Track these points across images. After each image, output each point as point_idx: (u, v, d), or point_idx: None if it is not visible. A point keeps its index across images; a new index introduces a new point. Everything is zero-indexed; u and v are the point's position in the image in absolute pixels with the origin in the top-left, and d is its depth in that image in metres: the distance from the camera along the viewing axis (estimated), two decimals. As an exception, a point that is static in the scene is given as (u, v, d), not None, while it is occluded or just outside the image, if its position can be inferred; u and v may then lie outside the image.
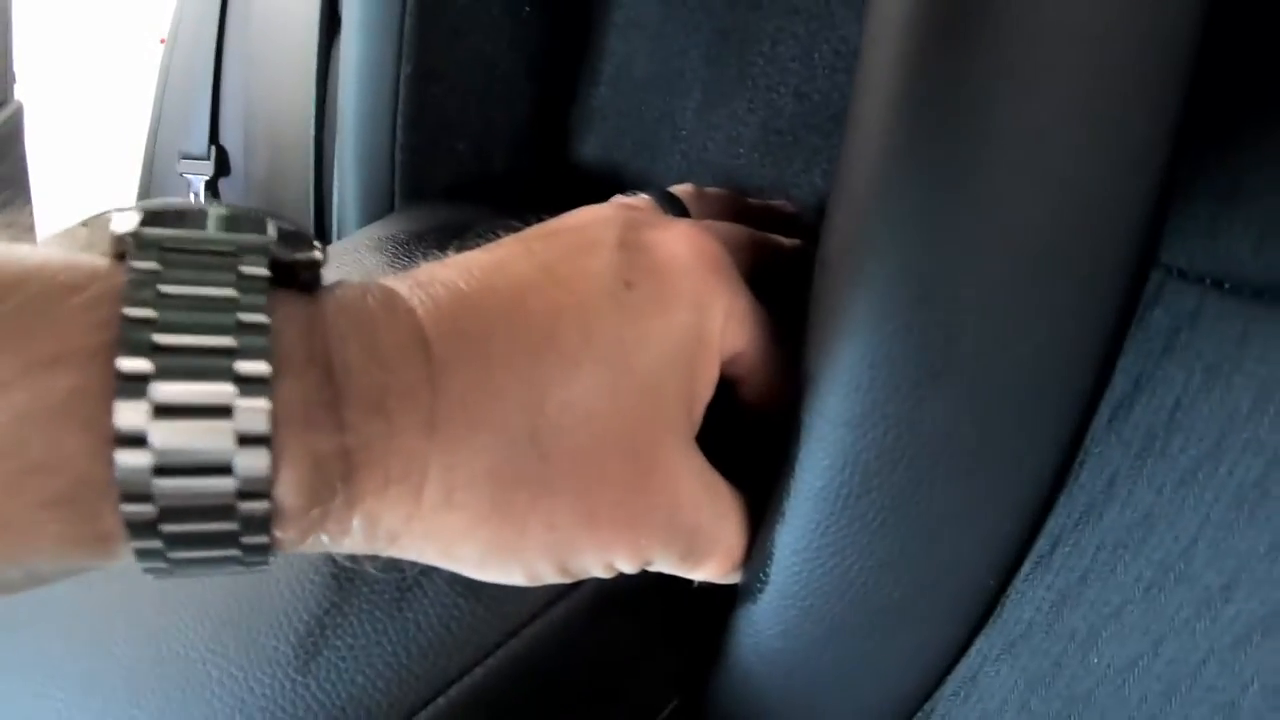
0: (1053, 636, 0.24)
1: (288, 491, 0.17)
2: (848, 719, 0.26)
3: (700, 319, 0.22)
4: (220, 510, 0.16)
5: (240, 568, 0.18)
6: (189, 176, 0.78)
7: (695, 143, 0.37)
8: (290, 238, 0.18)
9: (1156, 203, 0.21)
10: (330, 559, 0.25)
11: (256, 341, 0.16)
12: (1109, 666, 0.23)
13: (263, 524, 0.17)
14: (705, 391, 0.22)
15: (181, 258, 0.16)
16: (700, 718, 0.28)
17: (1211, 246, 0.22)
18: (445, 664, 0.23)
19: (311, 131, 0.52)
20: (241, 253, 0.17)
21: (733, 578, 0.24)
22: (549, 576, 0.21)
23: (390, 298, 0.19)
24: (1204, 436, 0.22)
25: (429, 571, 0.23)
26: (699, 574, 0.23)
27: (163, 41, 0.94)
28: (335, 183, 0.44)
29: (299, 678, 0.23)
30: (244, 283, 0.17)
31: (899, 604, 0.22)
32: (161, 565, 0.17)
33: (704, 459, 0.22)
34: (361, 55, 0.40)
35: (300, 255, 0.18)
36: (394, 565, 0.23)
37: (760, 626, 0.23)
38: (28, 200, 0.92)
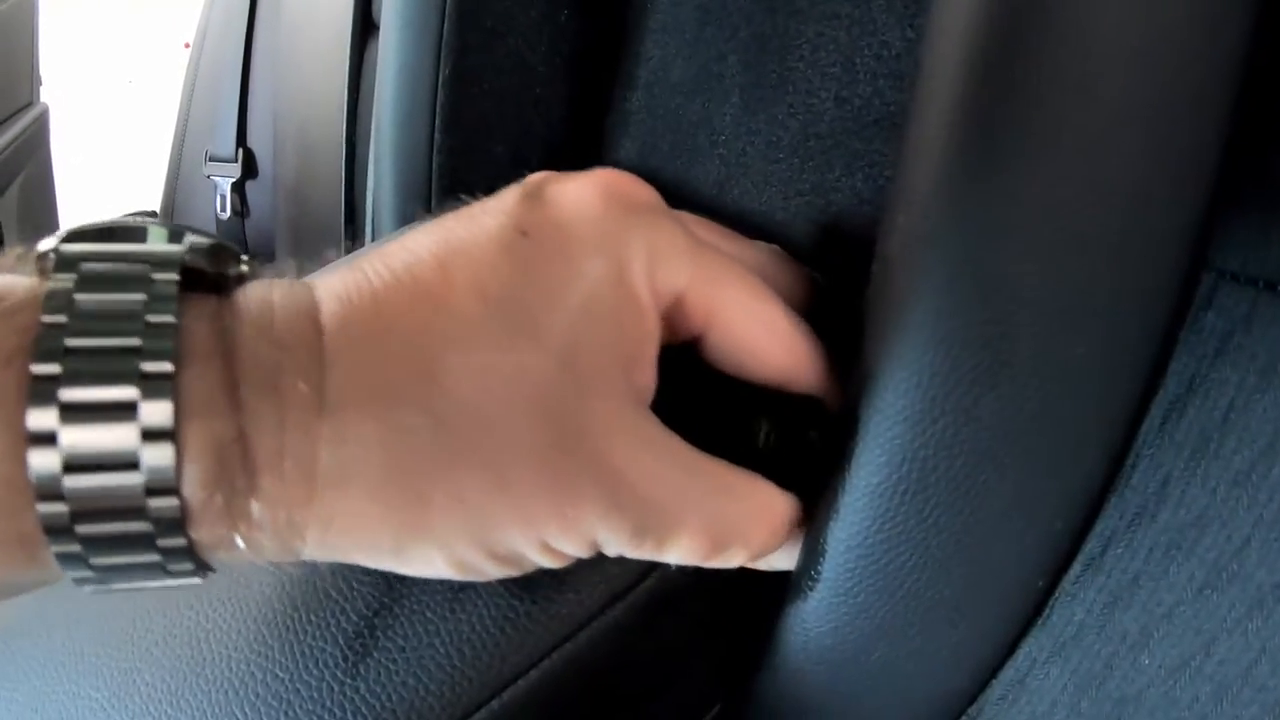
0: (1104, 638, 0.24)
1: (194, 484, 0.17)
2: (893, 720, 0.26)
3: (617, 262, 0.20)
4: (132, 510, 0.17)
5: (168, 578, 0.18)
6: (215, 179, 0.79)
7: (734, 147, 0.37)
8: (217, 252, 0.19)
9: (1208, 206, 0.21)
10: None
11: (161, 342, 0.17)
12: (1160, 667, 0.23)
13: (175, 524, 0.17)
14: (641, 345, 0.20)
15: (98, 269, 0.17)
16: None
17: (1263, 250, 0.22)
18: (500, 666, 0.22)
19: (343, 133, 0.53)
20: (156, 263, 0.18)
21: (720, 562, 0.22)
22: (478, 562, 0.19)
23: (294, 286, 0.19)
24: (1258, 437, 0.22)
25: None
26: (669, 555, 0.21)
27: (187, 46, 0.95)
28: (370, 184, 0.45)
29: (348, 680, 0.22)
30: (155, 288, 0.17)
31: (949, 602, 0.23)
32: (87, 573, 0.17)
33: (661, 427, 0.21)
34: (400, 57, 0.40)
35: (230, 270, 0.19)
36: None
37: (810, 624, 0.24)
38: (53, 200, 0.93)
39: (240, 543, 0.18)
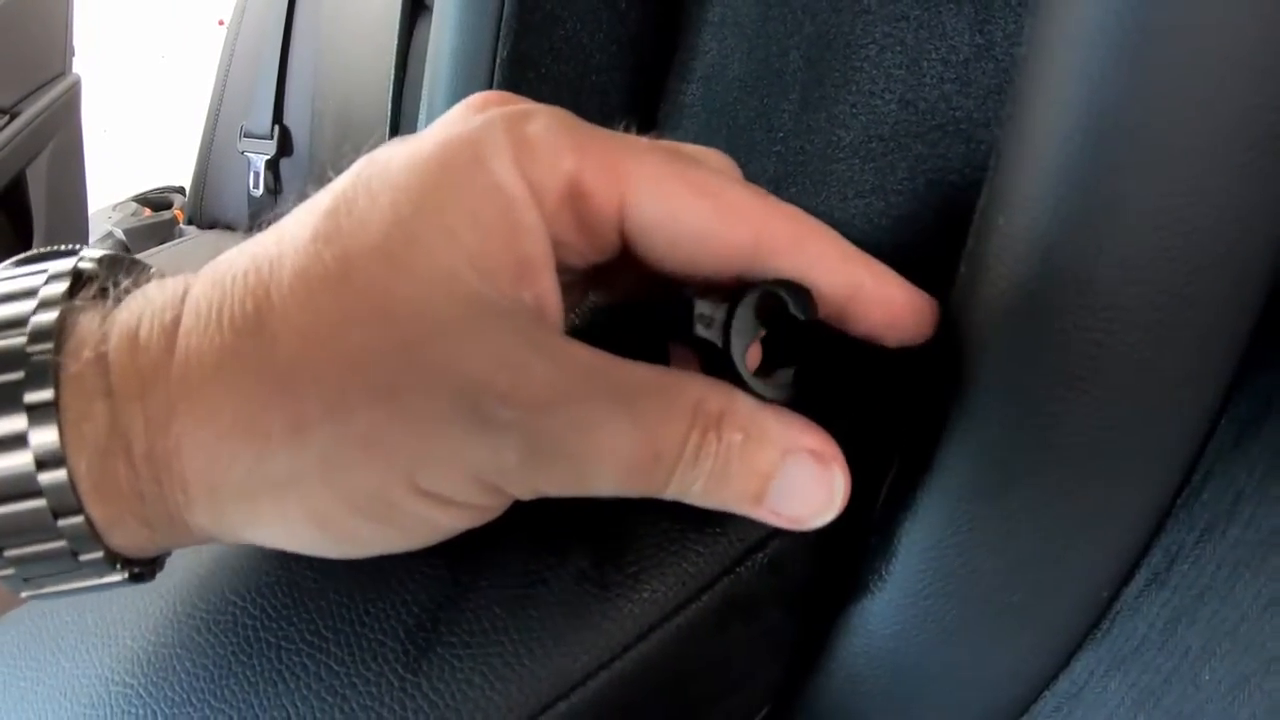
0: (1165, 653, 0.24)
1: (92, 499, 0.17)
2: (944, 728, 0.25)
3: (472, 156, 0.17)
4: (45, 529, 0.17)
5: (111, 585, 0.19)
6: (250, 155, 0.79)
7: (792, 144, 0.37)
8: (117, 262, 0.20)
9: None
10: (444, 546, 0.23)
11: (44, 375, 0.17)
12: (1220, 683, 0.23)
13: (87, 538, 0.18)
14: (514, 242, 0.17)
15: None
16: None
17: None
18: (570, 666, 0.21)
19: (388, 114, 0.52)
20: (43, 302, 0.18)
21: (645, 488, 0.18)
22: (342, 516, 0.17)
23: (175, 282, 0.19)
24: (1335, 459, 0.21)
25: (556, 566, 0.22)
26: (595, 484, 0.18)
27: (221, 23, 0.95)
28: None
29: (408, 675, 0.21)
30: (39, 309, 0.18)
31: (1018, 608, 0.22)
32: (31, 589, 0.19)
33: (556, 335, 0.18)
34: (457, 38, 0.40)
35: (122, 278, 0.19)
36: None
37: (874, 627, 0.23)
38: (81, 171, 0.93)
39: (162, 535, 0.18)
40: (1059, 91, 0.19)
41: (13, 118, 0.88)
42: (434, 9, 0.45)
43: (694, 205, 0.19)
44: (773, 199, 0.20)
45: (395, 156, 0.18)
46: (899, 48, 0.34)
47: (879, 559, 0.23)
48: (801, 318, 0.19)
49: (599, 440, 0.17)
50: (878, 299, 0.20)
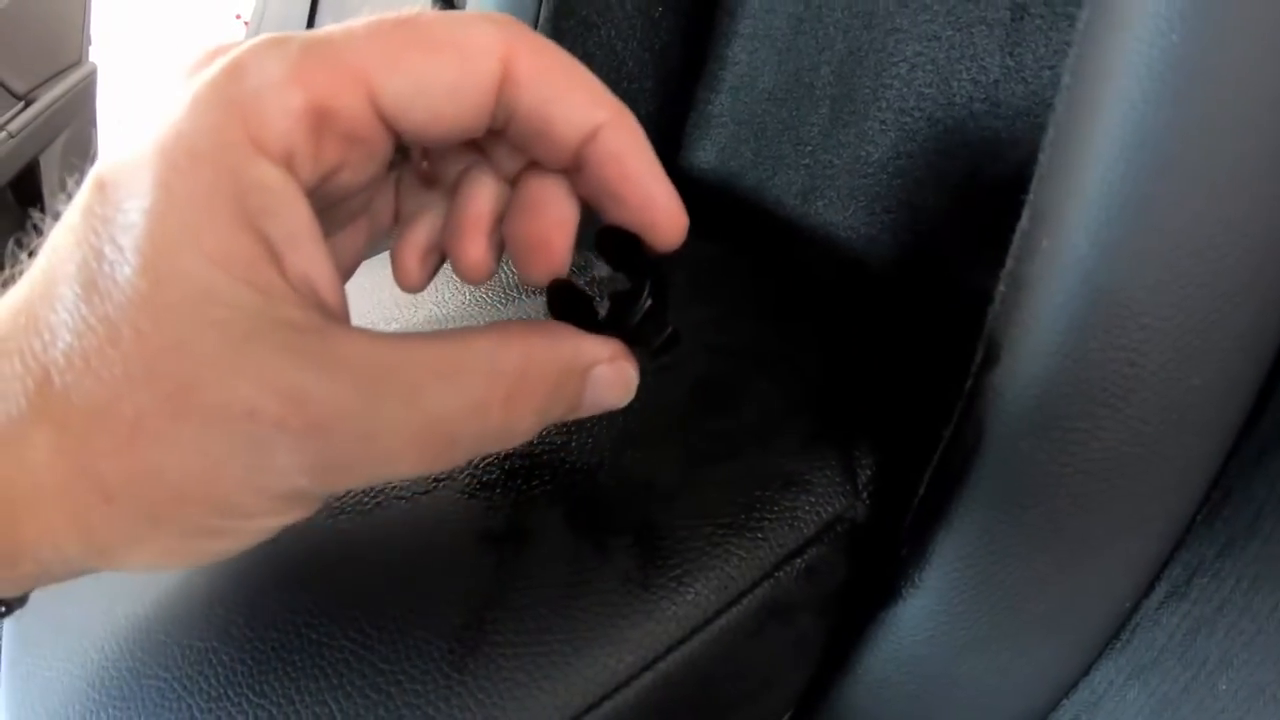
0: (1184, 663, 0.24)
1: None
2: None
3: (172, 149, 0.16)
4: None
5: None
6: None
7: (820, 158, 0.37)
8: None
9: None
10: (491, 546, 0.23)
11: None
12: (1237, 693, 0.24)
13: None
14: (253, 225, 0.16)
15: None
16: None
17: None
18: (615, 666, 0.21)
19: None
20: None
21: (452, 463, 0.19)
22: (185, 548, 0.18)
23: None
24: (1355, 477, 0.22)
25: (601, 567, 0.22)
26: (391, 477, 0.19)
27: (238, 18, 0.95)
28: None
29: (454, 674, 0.21)
30: None
31: (1044, 618, 0.23)
32: None
33: (343, 332, 0.17)
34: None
35: None
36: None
37: (904, 633, 0.24)
38: (95, 160, 0.93)
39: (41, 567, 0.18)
40: (1102, 120, 0.19)
41: (28, 104, 0.88)
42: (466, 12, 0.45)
43: (434, 63, 0.18)
44: (523, 30, 0.18)
45: (121, 183, 0.17)
46: (930, 66, 0.35)
47: (912, 567, 0.23)
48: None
49: (387, 445, 0.17)
50: (615, 144, 0.19)
